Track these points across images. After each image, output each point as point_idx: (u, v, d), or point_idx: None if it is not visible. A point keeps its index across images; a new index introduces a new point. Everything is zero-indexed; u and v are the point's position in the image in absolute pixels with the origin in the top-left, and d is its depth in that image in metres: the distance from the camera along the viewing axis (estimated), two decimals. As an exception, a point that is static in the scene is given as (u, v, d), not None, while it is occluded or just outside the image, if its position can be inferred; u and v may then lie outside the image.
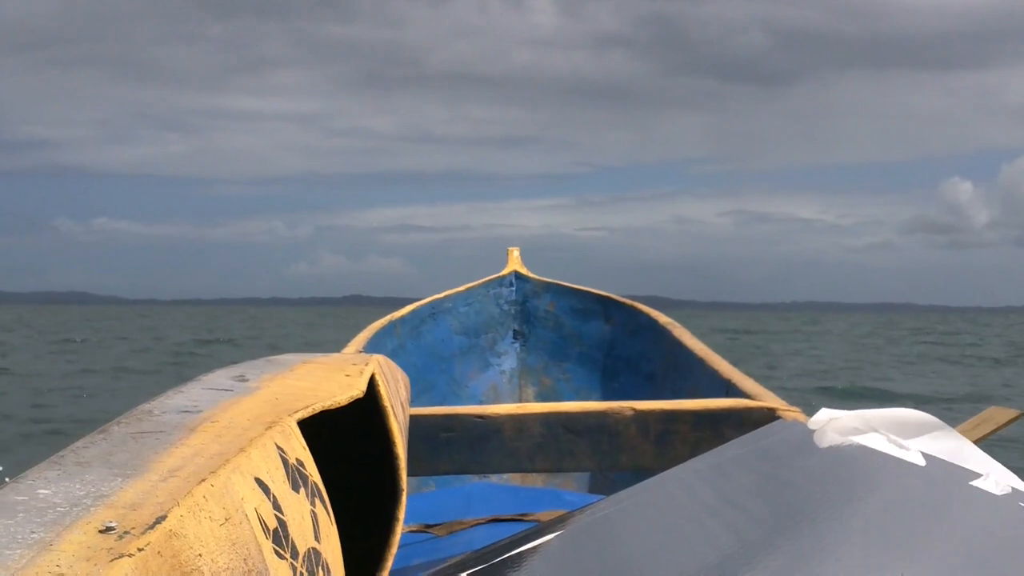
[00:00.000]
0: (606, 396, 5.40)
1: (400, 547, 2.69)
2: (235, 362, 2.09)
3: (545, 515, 2.92)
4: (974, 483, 1.73)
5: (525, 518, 3.09)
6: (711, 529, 1.92)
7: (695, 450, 2.73)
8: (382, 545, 2.09)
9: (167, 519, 1.13)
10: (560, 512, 2.72)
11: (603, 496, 2.64)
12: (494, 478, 4.61)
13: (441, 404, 4.72)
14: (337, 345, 4.77)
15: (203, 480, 1.24)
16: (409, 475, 2.81)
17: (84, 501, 1.15)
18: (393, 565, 2.22)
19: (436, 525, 3.16)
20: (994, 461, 1.88)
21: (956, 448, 1.97)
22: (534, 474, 4.75)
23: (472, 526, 3.12)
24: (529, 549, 2.14)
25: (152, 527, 1.11)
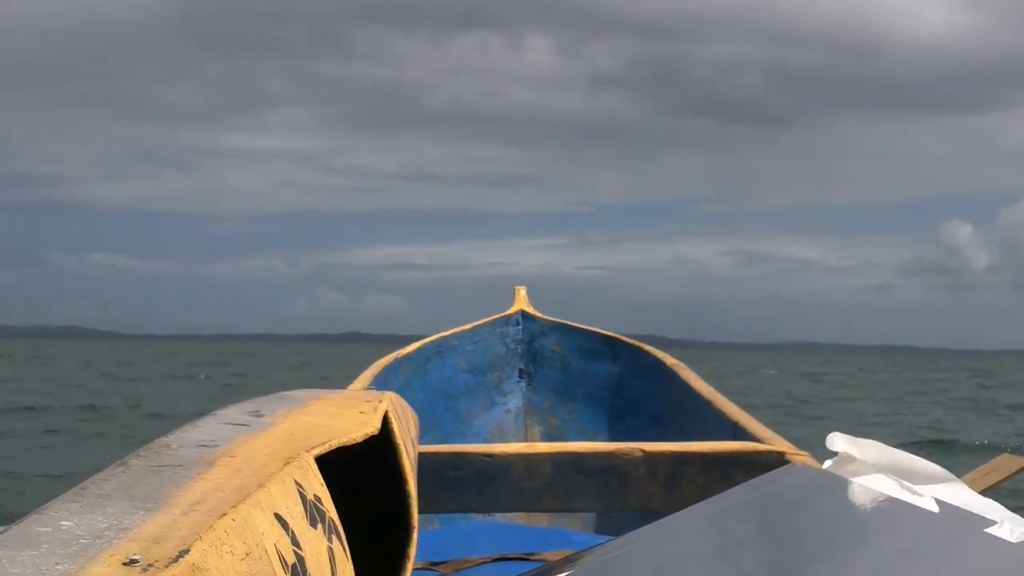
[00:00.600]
0: (613, 437, 5.38)
1: (407, 584, 2.68)
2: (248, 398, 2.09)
3: (552, 555, 2.91)
4: (989, 530, 1.73)
5: (531, 557, 3.08)
6: (720, 572, 1.92)
7: (704, 492, 2.73)
8: None
9: (190, 553, 1.13)
10: (567, 552, 2.71)
11: (610, 537, 2.64)
12: (499, 517, 4.59)
13: (446, 442, 4.71)
14: (342, 382, 4.76)
15: (224, 515, 1.24)
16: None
17: (107, 533, 1.16)
18: None
19: (442, 563, 3.15)
20: (1006, 510, 1.88)
21: (966, 498, 1.98)
22: (539, 513, 4.73)
23: (478, 565, 3.11)
24: None
25: (175, 560, 1.11)
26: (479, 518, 4.40)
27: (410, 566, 2.10)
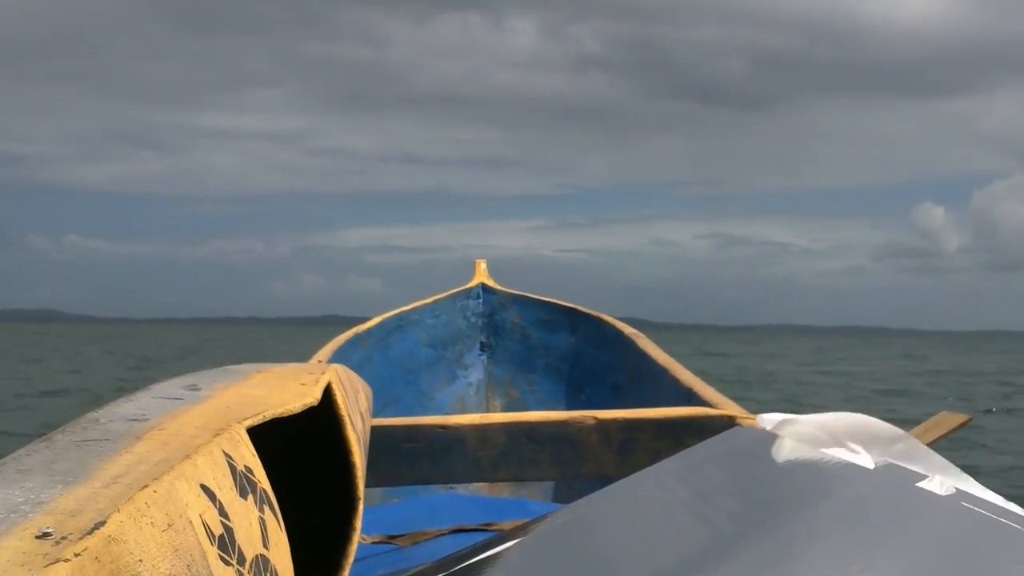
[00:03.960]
0: (572, 407, 5.38)
1: (363, 558, 2.68)
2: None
3: (509, 524, 2.92)
4: (919, 484, 1.76)
5: (490, 527, 3.09)
6: (686, 523, 1.94)
7: (656, 458, 2.74)
8: (340, 555, 2.09)
9: (106, 524, 1.12)
10: (525, 521, 2.73)
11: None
12: (461, 489, 4.60)
13: (407, 416, 4.72)
14: (304, 359, 4.74)
15: (145, 486, 1.23)
16: (372, 485, 2.80)
17: (22, 508, 1.15)
18: (356, 575, 2.21)
19: (400, 536, 3.16)
20: (943, 459, 1.91)
21: (906, 450, 2.01)
22: (501, 485, 4.74)
23: (436, 536, 3.11)
24: (490, 556, 2.14)
25: (90, 532, 1.10)
26: (440, 491, 4.41)
27: (356, 538, 2.09)
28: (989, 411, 19.03)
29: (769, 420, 2.23)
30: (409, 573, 2.28)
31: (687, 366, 4.47)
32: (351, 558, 2.08)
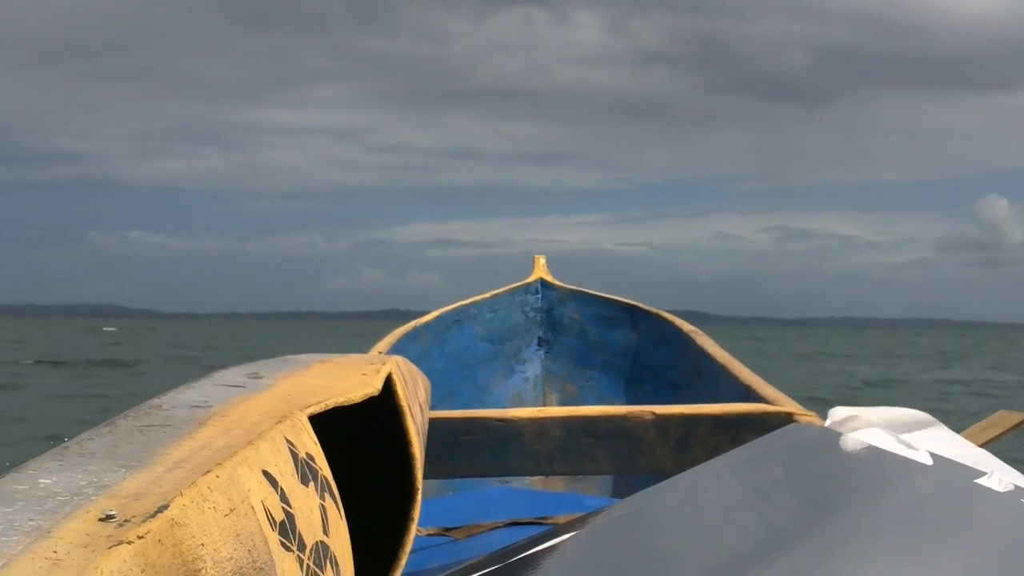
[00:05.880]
0: (630, 403, 5.35)
1: (419, 550, 2.69)
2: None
3: (564, 518, 2.92)
4: (979, 481, 1.75)
5: (544, 521, 3.09)
6: (742, 518, 1.93)
7: (714, 454, 2.73)
8: (397, 545, 2.09)
9: (169, 508, 1.13)
10: (580, 515, 2.73)
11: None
12: (515, 483, 4.60)
13: (464, 410, 4.72)
14: (362, 352, 4.75)
15: (208, 471, 1.24)
16: (429, 477, 2.81)
17: (85, 491, 1.16)
18: (411, 567, 2.22)
19: (455, 528, 3.17)
20: (995, 458, 1.90)
21: (957, 446, 2.00)
22: (555, 479, 4.73)
23: (491, 529, 3.12)
24: (545, 549, 2.14)
25: (153, 516, 1.11)
26: (495, 485, 4.41)
27: (414, 528, 2.10)
28: None
29: (833, 415, 2.23)
30: (464, 565, 2.29)
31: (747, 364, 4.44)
32: (409, 547, 2.08)
